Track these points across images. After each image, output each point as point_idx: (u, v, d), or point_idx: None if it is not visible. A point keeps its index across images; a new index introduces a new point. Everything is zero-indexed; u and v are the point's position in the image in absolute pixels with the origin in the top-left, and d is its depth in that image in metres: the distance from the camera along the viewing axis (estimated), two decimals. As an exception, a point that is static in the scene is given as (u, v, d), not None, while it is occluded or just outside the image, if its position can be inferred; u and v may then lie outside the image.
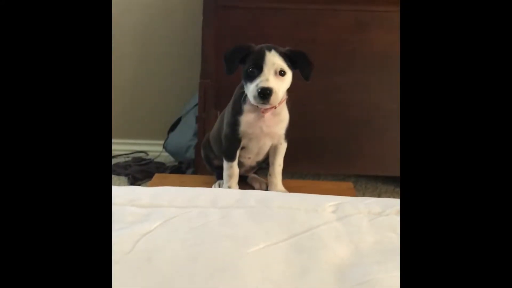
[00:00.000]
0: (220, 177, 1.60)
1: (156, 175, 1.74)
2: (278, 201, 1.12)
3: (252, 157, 1.57)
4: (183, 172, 2.58)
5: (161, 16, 2.83)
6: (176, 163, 2.70)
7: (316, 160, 2.41)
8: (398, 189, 2.52)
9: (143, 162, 2.74)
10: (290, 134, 1.54)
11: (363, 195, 2.45)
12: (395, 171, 2.27)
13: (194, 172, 2.44)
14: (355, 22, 2.34)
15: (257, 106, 1.40)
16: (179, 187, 1.22)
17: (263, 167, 1.65)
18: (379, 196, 2.44)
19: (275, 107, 1.43)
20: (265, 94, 1.33)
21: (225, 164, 1.54)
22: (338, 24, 2.35)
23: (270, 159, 1.56)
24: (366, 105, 2.37)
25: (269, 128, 1.48)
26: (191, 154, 2.59)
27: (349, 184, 1.69)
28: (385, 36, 2.33)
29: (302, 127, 2.11)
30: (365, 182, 2.61)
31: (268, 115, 1.45)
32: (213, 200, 1.11)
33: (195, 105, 2.59)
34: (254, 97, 1.35)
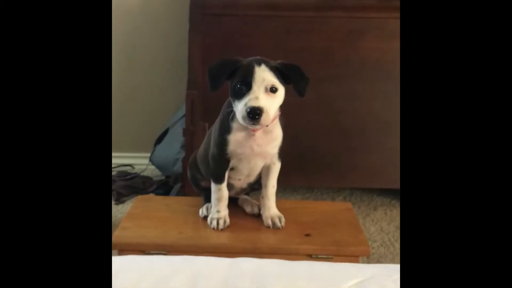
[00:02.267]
0: (208, 199, 1.45)
1: (139, 198, 1.59)
2: (281, 281, 0.89)
3: (242, 179, 1.41)
4: (171, 187, 2.42)
5: (145, 25, 2.70)
6: (163, 178, 2.54)
7: (308, 174, 2.27)
8: (394, 201, 2.39)
9: (129, 176, 2.57)
10: (283, 153, 1.39)
11: (359, 208, 2.30)
12: (392, 183, 2.15)
13: (182, 187, 2.28)
14: (347, 30, 2.23)
15: None
16: (148, 257, 0.98)
17: (256, 188, 1.49)
18: (375, 209, 2.30)
19: (267, 125, 1.28)
20: (254, 114, 1.18)
21: (213, 186, 1.39)
22: (330, 32, 2.23)
23: (263, 181, 1.41)
24: (360, 115, 2.24)
25: (261, 148, 1.33)
26: (178, 167, 2.45)
27: (348, 205, 1.55)
28: (379, 43, 2.21)
29: (293, 139, 1.96)
30: (360, 194, 2.46)
31: (259, 133, 1.30)
32: (192, 282, 0.85)
33: (182, 116, 2.45)
34: (243, 118, 1.20)
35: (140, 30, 2.70)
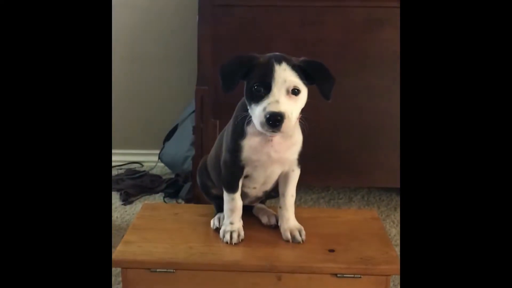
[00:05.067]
0: (220, 209, 1.27)
1: (145, 205, 1.41)
2: None
3: (258, 187, 1.23)
4: (181, 186, 2.25)
5: (154, 18, 2.53)
6: (173, 176, 2.37)
7: (325, 172, 2.09)
8: (414, 201, 2.20)
9: (137, 175, 2.40)
10: (303, 159, 1.21)
11: (378, 209, 2.12)
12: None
13: (192, 187, 2.11)
14: (366, 20, 2.03)
15: None
16: None
17: (272, 195, 1.31)
18: (395, 209, 2.12)
19: None
20: (275, 120, 1.00)
21: (226, 196, 1.21)
22: (347, 23, 2.04)
23: (281, 189, 1.23)
24: (379, 111, 2.05)
25: (279, 154, 1.14)
26: (188, 165, 2.28)
27: (373, 213, 1.36)
28: (399, 34, 1.99)
29: (309, 136, 1.81)
30: (378, 194, 2.28)
31: (277, 138, 1.12)
32: None
33: (192, 112, 2.29)
34: (262, 124, 1.02)
35: (148, 24, 2.53)
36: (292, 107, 1.03)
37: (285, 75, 1.02)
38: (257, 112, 1.03)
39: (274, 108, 1.00)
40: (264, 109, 1.01)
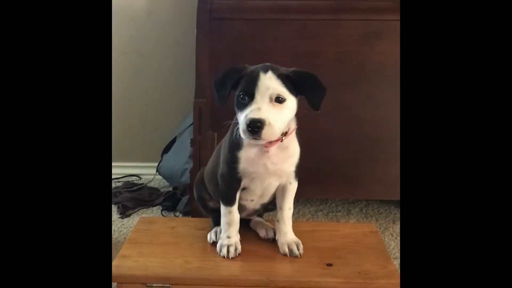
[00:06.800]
0: (217, 222, 1.25)
1: (141, 220, 1.39)
2: None
3: (255, 200, 1.22)
4: (178, 199, 2.23)
5: (152, 31, 2.52)
6: (171, 189, 2.35)
7: (323, 185, 2.07)
8: (413, 214, 2.17)
9: (135, 187, 2.38)
10: (300, 171, 1.20)
11: (376, 221, 2.10)
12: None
13: (190, 200, 2.09)
14: (363, 33, 2.04)
15: None
16: None
17: (270, 208, 1.30)
18: (393, 222, 2.09)
19: (281, 140, 1.09)
20: (254, 127, 0.99)
21: (223, 209, 1.19)
22: (344, 36, 2.05)
23: (278, 202, 1.21)
24: (377, 122, 2.04)
25: (275, 166, 1.13)
26: (186, 178, 2.26)
27: (372, 226, 1.34)
28: (396, 47, 1.97)
29: (307, 148, 1.80)
30: (377, 206, 2.26)
31: (273, 150, 1.11)
32: None
33: (191, 125, 2.26)
34: (243, 131, 1.02)
35: (146, 36, 2.53)
36: (276, 115, 1.02)
37: (268, 83, 1.02)
38: (241, 120, 1.03)
39: (254, 115, 1.00)
40: (246, 116, 1.00)
